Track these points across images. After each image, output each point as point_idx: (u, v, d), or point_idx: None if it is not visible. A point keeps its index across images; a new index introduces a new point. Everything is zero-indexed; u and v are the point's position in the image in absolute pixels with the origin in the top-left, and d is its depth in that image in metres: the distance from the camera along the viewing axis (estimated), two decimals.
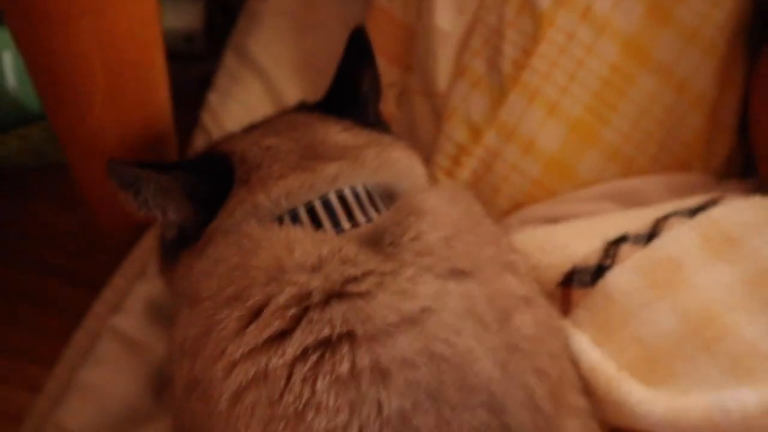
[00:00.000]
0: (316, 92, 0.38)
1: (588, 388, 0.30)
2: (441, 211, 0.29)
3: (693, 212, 0.36)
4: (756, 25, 0.47)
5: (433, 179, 0.46)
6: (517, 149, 0.44)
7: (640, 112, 0.45)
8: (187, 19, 0.64)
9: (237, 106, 0.54)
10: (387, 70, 0.51)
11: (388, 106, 0.51)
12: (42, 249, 0.58)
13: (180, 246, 0.31)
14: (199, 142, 0.54)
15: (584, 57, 0.44)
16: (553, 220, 0.44)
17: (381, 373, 0.23)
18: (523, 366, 0.26)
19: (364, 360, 0.23)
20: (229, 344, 0.25)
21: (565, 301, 0.35)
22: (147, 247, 0.50)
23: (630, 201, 0.44)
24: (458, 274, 0.27)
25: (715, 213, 0.35)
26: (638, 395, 0.29)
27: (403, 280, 0.26)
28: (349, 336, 0.24)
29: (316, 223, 0.30)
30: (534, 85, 0.44)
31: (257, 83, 0.54)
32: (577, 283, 0.35)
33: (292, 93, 0.55)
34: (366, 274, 0.26)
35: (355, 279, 0.25)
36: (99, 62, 0.33)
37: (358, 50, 0.35)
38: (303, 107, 0.38)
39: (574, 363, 0.31)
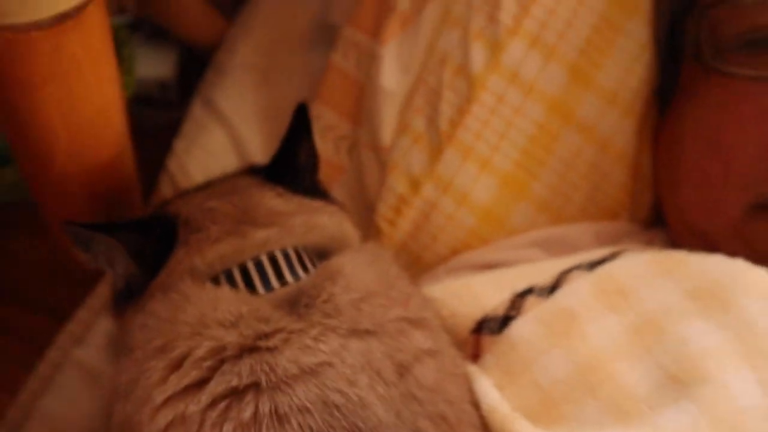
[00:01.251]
0: (277, 140, 0.42)
1: (487, 429, 0.33)
2: (355, 274, 0.33)
3: (593, 265, 0.39)
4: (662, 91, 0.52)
5: (376, 228, 0.50)
6: (452, 201, 0.48)
7: (566, 167, 0.49)
8: (161, 68, 0.68)
9: (201, 152, 0.57)
10: (339, 123, 0.55)
11: (340, 157, 0.54)
12: (8, 278, 0.61)
13: (127, 299, 0.35)
14: (164, 186, 0.58)
15: (513, 117, 0.48)
16: (485, 266, 0.47)
17: (279, 418, 0.27)
18: (418, 412, 0.29)
19: (265, 407, 0.27)
20: (153, 390, 0.29)
21: (476, 348, 0.38)
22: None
23: (559, 248, 0.48)
24: (360, 333, 0.30)
25: (611, 266, 0.39)
26: None
27: (308, 338, 0.29)
28: (255, 386, 0.27)
29: (248, 283, 0.34)
30: (468, 142, 0.48)
31: (221, 132, 0.58)
32: (486, 330, 0.39)
33: (255, 141, 0.58)
34: (276, 332, 0.29)
35: (266, 335, 0.29)
36: (60, 122, 0.36)
37: (299, 125, 0.40)
38: (251, 170, 0.41)
39: (476, 405, 0.34)
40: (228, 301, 0.31)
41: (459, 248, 0.49)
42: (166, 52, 0.70)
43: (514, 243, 0.48)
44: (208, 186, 0.40)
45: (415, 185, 0.49)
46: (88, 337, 0.52)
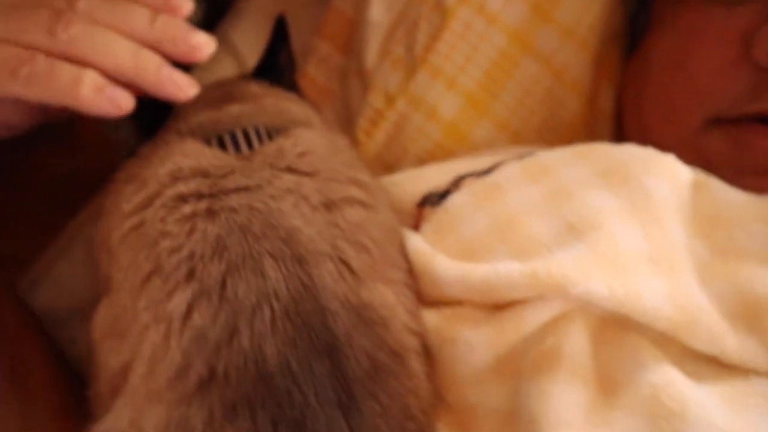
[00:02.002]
0: None
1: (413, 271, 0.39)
2: (308, 137, 0.39)
3: (524, 156, 0.46)
4: (628, 35, 0.58)
5: (354, 140, 0.57)
6: (422, 116, 0.55)
7: (524, 91, 0.55)
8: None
9: (212, 78, 0.65)
10: (333, 54, 0.62)
11: (331, 84, 0.62)
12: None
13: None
14: None
15: (478, 43, 0.54)
16: None
17: (210, 213, 0.34)
18: (338, 235, 0.35)
19: (201, 206, 0.34)
20: (123, 204, 0.37)
21: (418, 219, 0.45)
22: None
23: None
24: (296, 171, 0.37)
25: (540, 154, 0.45)
26: (443, 264, 0.38)
27: (249, 170, 0.36)
28: (197, 194, 0.35)
29: (222, 147, 0.40)
30: (437, 63, 0.55)
31: (232, 63, 0.67)
32: (428, 203, 0.45)
33: None
34: (226, 166, 0.36)
35: (217, 168, 0.36)
36: None
37: (279, 33, 0.48)
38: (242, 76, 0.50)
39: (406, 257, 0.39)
40: (198, 150, 0.38)
41: (426, 160, 0.55)
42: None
43: (474, 157, 0.55)
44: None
45: (390, 100, 0.56)
46: None
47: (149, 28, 0.38)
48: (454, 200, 0.43)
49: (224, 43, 0.68)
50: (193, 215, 0.34)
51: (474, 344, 0.36)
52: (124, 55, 0.37)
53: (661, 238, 0.37)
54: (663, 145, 0.50)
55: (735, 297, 0.35)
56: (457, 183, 0.45)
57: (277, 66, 0.47)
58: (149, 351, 0.32)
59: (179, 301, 0.32)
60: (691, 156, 0.47)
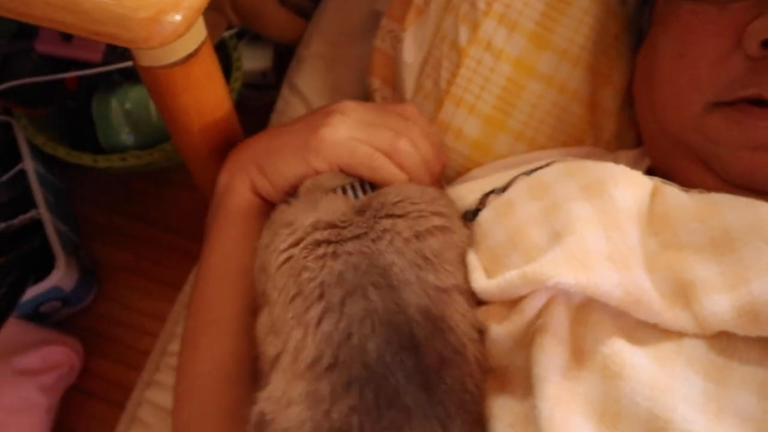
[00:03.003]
0: None
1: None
2: (401, 186, 0.53)
3: (531, 171, 0.56)
4: (632, 36, 0.68)
5: None
6: (451, 137, 0.68)
7: (532, 107, 0.66)
8: (261, 62, 0.94)
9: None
10: (383, 87, 0.76)
11: None
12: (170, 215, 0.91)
13: None
14: None
15: (489, 74, 0.66)
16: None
17: (335, 256, 0.47)
18: (422, 264, 0.47)
19: (329, 250, 0.47)
20: (280, 244, 0.50)
21: None
22: None
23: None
24: (391, 215, 0.49)
25: (541, 172, 0.53)
26: (477, 278, 0.50)
27: (361, 221, 0.48)
28: (328, 241, 0.48)
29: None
30: (458, 95, 0.67)
31: (302, 106, 0.82)
32: (466, 220, 0.56)
33: None
34: (349, 220, 0.49)
35: (342, 221, 0.49)
36: (194, 113, 0.62)
37: None
38: None
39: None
40: (330, 204, 0.52)
41: (461, 171, 0.69)
42: (265, 50, 0.95)
43: (499, 165, 0.68)
44: None
45: None
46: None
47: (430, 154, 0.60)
48: (483, 216, 0.53)
49: (293, 90, 0.84)
50: (324, 255, 0.47)
51: (500, 333, 0.47)
52: (419, 169, 0.58)
53: (619, 239, 0.45)
54: (674, 128, 0.58)
55: (674, 281, 0.44)
56: (483, 201, 0.56)
57: None
58: (293, 345, 0.45)
59: (314, 314, 0.45)
60: (697, 136, 0.54)
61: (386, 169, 0.55)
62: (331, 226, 0.50)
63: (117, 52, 0.80)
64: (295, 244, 0.49)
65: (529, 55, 0.66)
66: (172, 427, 0.56)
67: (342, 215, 0.51)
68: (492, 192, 0.57)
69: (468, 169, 0.69)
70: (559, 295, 0.47)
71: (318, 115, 0.58)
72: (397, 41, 0.75)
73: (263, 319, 0.49)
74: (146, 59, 0.54)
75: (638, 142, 0.69)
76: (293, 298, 0.47)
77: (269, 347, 0.48)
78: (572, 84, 0.67)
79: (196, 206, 0.74)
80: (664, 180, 0.52)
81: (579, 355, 0.45)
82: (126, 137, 0.86)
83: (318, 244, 0.48)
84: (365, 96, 0.79)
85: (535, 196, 0.52)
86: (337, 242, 0.49)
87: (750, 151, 0.50)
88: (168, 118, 0.63)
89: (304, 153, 0.55)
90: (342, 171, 0.57)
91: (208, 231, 0.60)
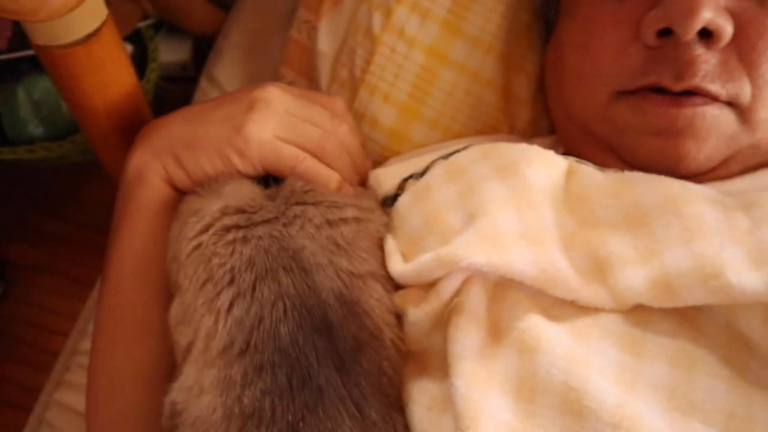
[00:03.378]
0: None
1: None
2: None
3: (448, 156, 0.56)
4: (542, 27, 0.69)
5: None
6: (367, 126, 0.68)
7: (446, 94, 0.67)
8: (180, 54, 0.92)
9: None
10: (298, 80, 0.76)
11: None
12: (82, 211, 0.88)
13: None
14: None
15: (403, 62, 0.67)
16: None
17: (245, 240, 0.47)
18: (333, 250, 0.47)
19: (239, 235, 0.47)
20: (189, 232, 0.49)
21: None
22: None
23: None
24: (302, 203, 0.50)
25: (458, 155, 0.54)
26: (394, 263, 0.50)
27: (272, 206, 0.49)
28: (237, 226, 0.47)
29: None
30: (373, 82, 0.67)
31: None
32: (386, 206, 0.56)
33: None
34: (258, 205, 0.49)
35: (251, 206, 0.49)
36: (98, 97, 0.60)
37: None
38: None
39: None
40: (239, 189, 0.51)
41: (379, 160, 0.69)
42: (184, 42, 0.93)
43: (416, 153, 0.68)
44: None
45: None
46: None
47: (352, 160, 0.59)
48: (401, 201, 0.54)
49: (211, 82, 0.82)
50: (234, 241, 0.46)
51: (418, 316, 0.47)
52: (347, 169, 0.57)
53: (532, 218, 0.46)
54: (582, 117, 0.59)
55: (590, 258, 0.44)
56: (402, 186, 0.57)
57: None
58: (204, 333, 0.45)
59: (224, 300, 0.45)
60: (604, 124, 0.55)
61: (313, 171, 0.54)
62: (241, 211, 0.49)
63: (25, 41, 0.77)
64: (204, 230, 0.48)
65: (442, 43, 0.67)
66: (87, 428, 0.54)
67: (251, 200, 0.50)
68: (410, 177, 0.57)
69: (385, 158, 0.69)
70: (474, 275, 0.47)
71: (241, 103, 0.54)
72: (313, 31, 0.74)
73: (175, 309, 0.48)
74: (42, 37, 0.52)
75: (552, 129, 0.70)
76: (203, 284, 0.46)
77: (180, 337, 0.47)
78: (485, 72, 0.68)
79: (114, 202, 0.73)
80: (578, 159, 0.53)
81: (496, 332, 0.46)
82: (34, 128, 0.82)
83: (227, 229, 0.48)
84: None
85: (452, 179, 0.53)
86: (246, 227, 0.48)
87: (652, 136, 0.51)
88: (71, 102, 0.61)
89: (228, 152, 0.52)
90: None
91: (118, 222, 0.57)
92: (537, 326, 0.43)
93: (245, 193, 0.51)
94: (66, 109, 0.83)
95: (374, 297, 0.49)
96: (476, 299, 0.47)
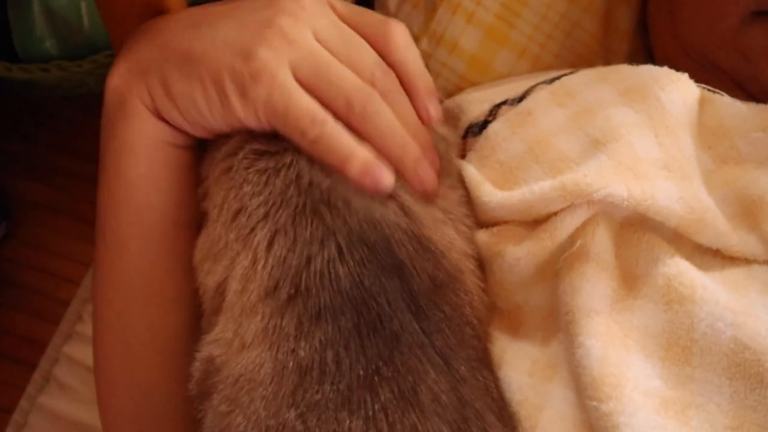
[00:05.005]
0: None
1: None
2: None
3: (552, 80, 0.49)
4: None
5: None
6: (445, 51, 0.59)
7: (539, 17, 0.58)
8: None
9: None
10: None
11: None
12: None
13: None
14: None
15: None
16: None
17: (276, 171, 0.40)
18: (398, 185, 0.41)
19: (270, 164, 0.40)
20: (216, 153, 0.43)
21: (463, 149, 0.49)
22: None
23: None
24: None
25: (565, 78, 0.48)
26: (488, 191, 0.43)
27: None
28: (268, 152, 0.41)
29: None
30: (455, 0, 0.58)
31: None
32: (470, 134, 0.49)
33: None
34: None
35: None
36: None
37: None
38: None
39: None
40: None
41: (453, 92, 0.60)
42: None
43: (509, 83, 0.59)
44: None
45: (414, 40, 0.59)
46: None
47: (418, 127, 0.44)
48: (493, 128, 0.47)
49: None
50: (266, 170, 0.40)
51: (519, 256, 0.41)
52: (395, 144, 0.41)
53: (674, 147, 0.40)
54: (702, 48, 0.51)
55: (736, 199, 0.39)
56: (493, 112, 0.49)
57: None
58: (240, 272, 0.39)
59: (261, 236, 0.39)
60: (732, 53, 0.48)
61: (325, 144, 0.39)
62: (270, 135, 0.41)
63: None
64: (233, 153, 0.42)
65: None
66: (100, 415, 0.48)
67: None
68: (504, 103, 0.49)
69: (461, 90, 0.60)
70: (599, 213, 0.40)
71: (262, 12, 0.41)
72: None
73: (201, 242, 0.43)
74: None
75: None
76: (236, 215, 0.40)
77: (207, 277, 0.42)
78: None
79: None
80: (710, 88, 0.44)
81: (630, 281, 0.38)
82: (49, 45, 0.72)
83: (259, 154, 0.41)
84: None
85: (561, 102, 0.45)
86: (276, 153, 0.40)
87: None
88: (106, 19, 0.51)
89: (227, 86, 0.39)
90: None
91: (104, 164, 0.45)
92: (688, 272, 0.36)
93: None
94: (87, 24, 0.72)
95: (446, 238, 0.42)
96: (602, 243, 0.40)
